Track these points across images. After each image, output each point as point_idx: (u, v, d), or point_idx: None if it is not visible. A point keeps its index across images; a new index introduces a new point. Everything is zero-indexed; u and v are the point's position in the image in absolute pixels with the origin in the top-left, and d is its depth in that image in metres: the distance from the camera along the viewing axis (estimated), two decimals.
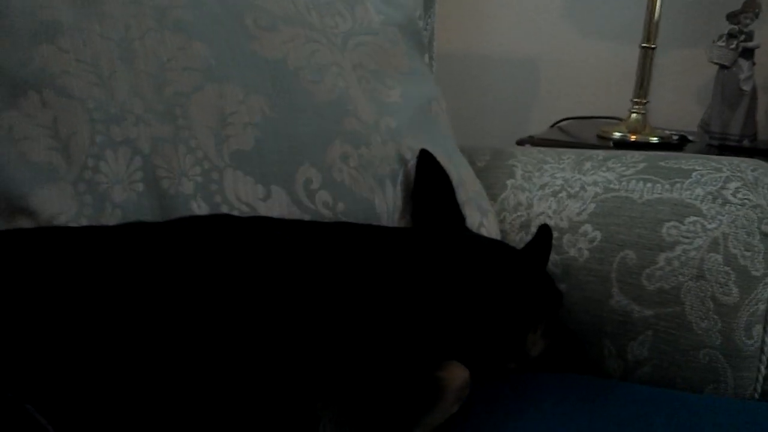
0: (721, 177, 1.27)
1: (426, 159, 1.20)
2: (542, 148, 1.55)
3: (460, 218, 1.19)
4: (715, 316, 1.21)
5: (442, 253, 1.08)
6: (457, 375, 0.98)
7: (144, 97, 1.09)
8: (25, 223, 0.99)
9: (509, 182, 1.41)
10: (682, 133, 2.16)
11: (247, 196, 1.11)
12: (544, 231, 1.09)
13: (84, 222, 1.00)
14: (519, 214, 1.38)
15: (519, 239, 1.36)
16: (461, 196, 1.26)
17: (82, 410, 0.73)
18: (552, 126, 2.33)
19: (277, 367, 0.84)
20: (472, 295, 1.06)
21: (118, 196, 1.03)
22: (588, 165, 1.38)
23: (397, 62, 1.35)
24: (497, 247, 1.18)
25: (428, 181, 1.20)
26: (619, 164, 1.36)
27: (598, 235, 1.29)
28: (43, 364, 0.74)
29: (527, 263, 1.11)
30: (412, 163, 1.24)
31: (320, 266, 0.96)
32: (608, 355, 1.29)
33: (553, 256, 1.32)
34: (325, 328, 0.88)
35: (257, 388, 0.82)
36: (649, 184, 1.30)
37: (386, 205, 1.21)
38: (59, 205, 0.99)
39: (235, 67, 1.16)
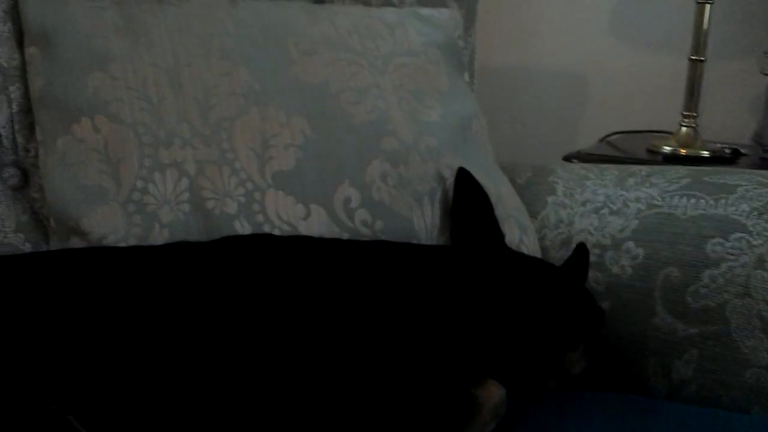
0: (767, 192, 1.24)
1: (464, 177, 1.21)
2: (585, 165, 1.54)
3: (499, 235, 1.19)
4: (762, 335, 1.18)
5: (480, 270, 1.09)
6: (493, 393, 0.98)
7: (191, 121, 1.12)
8: (78, 243, 1.03)
9: (550, 199, 1.41)
10: (735, 146, 2.11)
11: (288, 215, 1.13)
12: (581, 249, 1.09)
13: (133, 241, 1.04)
14: (560, 231, 1.37)
15: (560, 257, 1.35)
16: (500, 212, 1.26)
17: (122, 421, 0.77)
18: (600, 140, 2.30)
19: (313, 380, 0.85)
20: (510, 313, 1.06)
21: (166, 217, 1.07)
22: (631, 181, 1.36)
23: (437, 82, 1.36)
24: (536, 265, 1.17)
25: (466, 198, 1.21)
26: (663, 180, 1.34)
27: (641, 252, 1.28)
28: (87, 376, 0.78)
29: (565, 281, 1.11)
30: (450, 181, 1.24)
31: (359, 284, 0.97)
32: (653, 374, 1.27)
33: (596, 274, 1.31)
34: (361, 342, 0.90)
35: (292, 402, 0.84)
36: (692, 200, 1.28)
37: (425, 223, 1.22)
38: (109, 226, 1.04)
39: (278, 91, 1.19)
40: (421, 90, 1.33)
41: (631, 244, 1.28)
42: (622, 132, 2.27)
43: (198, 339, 0.84)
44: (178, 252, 0.95)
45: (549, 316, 1.09)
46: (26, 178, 1.13)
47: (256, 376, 0.84)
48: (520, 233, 1.31)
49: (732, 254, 1.20)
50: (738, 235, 1.21)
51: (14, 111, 1.12)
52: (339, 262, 1.00)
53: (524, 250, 1.28)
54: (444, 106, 1.34)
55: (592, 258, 1.30)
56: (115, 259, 0.92)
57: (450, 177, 1.24)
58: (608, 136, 2.26)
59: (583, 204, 1.36)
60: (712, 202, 1.26)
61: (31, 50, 1.12)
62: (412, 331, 0.95)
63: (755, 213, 1.22)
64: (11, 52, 1.14)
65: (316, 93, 1.21)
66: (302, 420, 0.84)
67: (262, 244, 0.99)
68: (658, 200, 1.30)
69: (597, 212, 1.34)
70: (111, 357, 0.79)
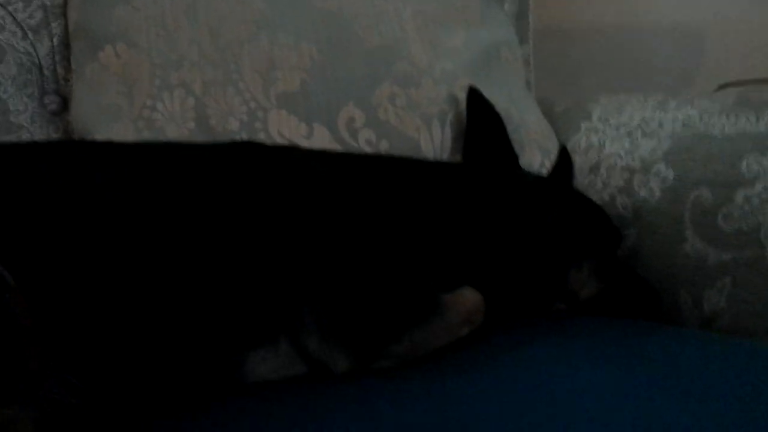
0: None
1: (475, 97, 1.16)
2: (633, 94, 1.42)
3: (509, 154, 1.14)
4: None
5: (472, 184, 1.05)
6: (466, 298, 0.94)
7: (201, 45, 1.17)
8: None
9: (584, 125, 1.32)
10: None
11: (290, 133, 1.15)
12: (563, 153, 1.02)
13: None
14: (590, 156, 1.29)
15: (588, 182, 1.26)
16: (522, 137, 1.20)
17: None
18: (716, 90, 2.09)
19: (264, 271, 0.86)
20: (497, 226, 1.01)
21: (172, 132, 1.12)
22: (673, 104, 1.25)
23: (464, 10, 1.32)
24: (532, 182, 1.11)
25: (477, 118, 1.16)
26: (708, 101, 1.22)
27: (671, 173, 1.17)
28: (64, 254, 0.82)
29: (548, 191, 1.04)
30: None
31: (338, 188, 0.97)
32: (683, 305, 1.15)
33: (623, 199, 1.21)
34: (319, 237, 0.89)
35: (243, 287, 0.85)
36: (732, 118, 1.15)
37: (432, 144, 1.19)
38: (122, 139, 1.10)
39: (290, 18, 1.21)
40: (444, 17, 1.30)
41: (661, 165, 1.18)
42: (736, 83, 2.06)
43: (176, 227, 0.87)
44: (166, 150, 0.99)
45: (541, 231, 1.03)
46: (65, 104, 1.22)
47: (207, 263, 0.86)
48: (542, 157, 1.24)
49: None
50: None
51: (55, 44, 1.22)
52: (323, 168, 1.00)
53: (546, 173, 1.21)
54: (469, 32, 1.30)
55: (620, 183, 1.21)
56: (111, 152, 0.96)
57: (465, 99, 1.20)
58: (724, 86, 2.06)
59: (617, 128, 1.27)
60: (753, 119, 1.12)
61: None
62: (384, 233, 0.93)
63: None
64: None
65: (328, 19, 1.21)
66: (250, 306, 0.85)
67: (250, 149, 1.01)
68: (695, 120, 1.18)
69: (630, 135, 1.24)
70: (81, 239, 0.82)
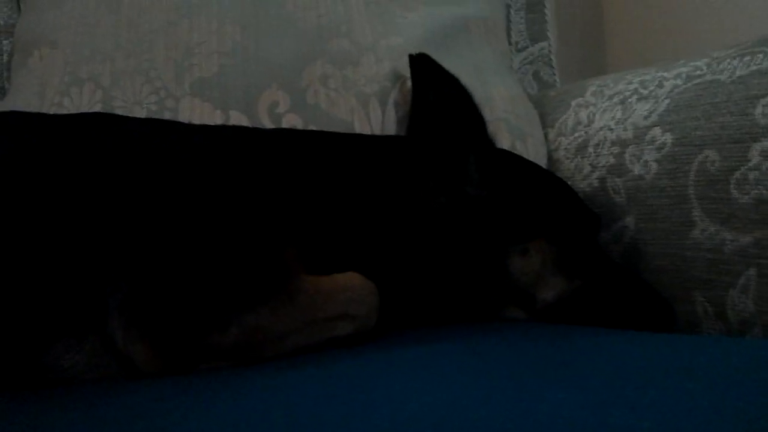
0: None
1: (423, 64, 0.91)
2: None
3: (472, 127, 0.86)
4: None
5: (355, 153, 0.80)
6: (335, 282, 0.69)
7: (118, 38, 1.04)
8: None
9: (574, 102, 1.03)
10: None
11: (202, 121, 0.97)
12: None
13: None
14: (576, 135, 0.99)
15: (574, 166, 0.97)
16: (486, 115, 0.94)
17: None
18: None
19: (67, 248, 0.67)
20: (381, 199, 0.76)
21: None
22: (683, 61, 0.94)
23: None
24: (430, 146, 0.83)
25: (426, 87, 0.91)
26: (725, 48, 0.90)
27: (668, 138, 0.85)
28: None
29: (466, 159, 0.77)
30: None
31: (176, 159, 0.77)
32: (703, 314, 0.81)
33: (614, 181, 0.90)
34: (136, 211, 0.69)
35: (42, 266, 0.66)
36: (747, 58, 0.83)
37: (370, 127, 0.96)
38: None
39: (215, 1, 1.05)
40: None
41: (656, 131, 0.87)
42: None
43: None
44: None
45: (445, 207, 0.76)
46: None
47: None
48: (511, 138, 0.97)
49: None
50: None
51: (4, 61, 1.15)
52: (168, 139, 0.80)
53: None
54: (430, 7, 1.08)
55: (610, 160, 0.91)
56: None
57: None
58: None
59: (610, 98, 0.97)
60: None
61: (22, 5, 1.15)
62: (225, 207, 0.71)
63: None
64: (11, 12, 1.18)
65: (259, 1, 1.04)
66: (46, 289, 0.65)
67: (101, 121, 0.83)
68: (701, 69, 0.87)
69: (623, 102, 0.94)
70: None
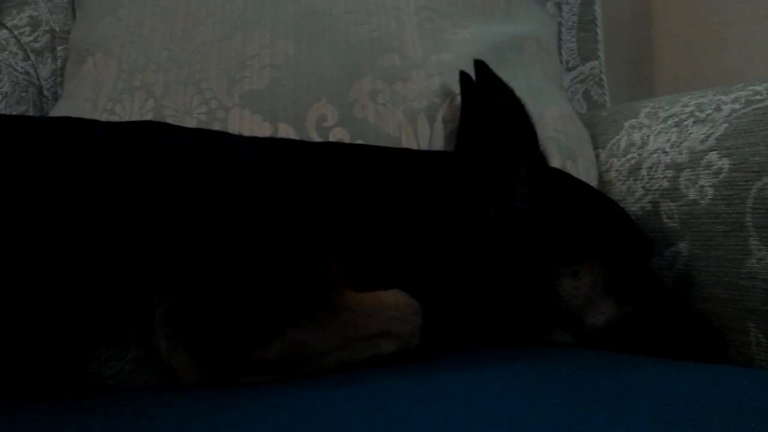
0: None
1: (477, 71, 0.89)
2: None
3: (524, 141, 0.84)
4: None
5: (403, 170, 0.79)
6: (378, 299, 0.68)
7: (171, 49, 1.05)
8: None
9: (627, 123, 1.01)
10: None
11: (251, 133, 0.98)
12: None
13: None
14: (629, 156, 0.97)
15: (626, 188, 0.94)
16: (539, 142, 0.93)
17: None
18: None
19: (115, 254, 0.67)
20: (425, 217, 0.75)
21: None
22: (741, 85, 0.91)
23: (489, 8, 1.10)
24: (476, 163, 0.81)
25: (477, 99, 0.89)
26: None
27: (725, 163, 0.83)
28: None
29: (516, 177, 0.75)
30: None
31: (231, 171, 0.77)
32: (756, 345, 0.78)
33: (668, 205, 0.88)
34: (186, 221, 0.69)
35: (86, 272, 0.66)
36: None
37: (417, 143, 0.95)
38: None
39: (270, 17, 1.06)
40: (454, 11, 1.08)
41: (713, 155, 0.84)
42: None
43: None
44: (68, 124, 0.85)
45: (491, 224, 0.74)
46: None
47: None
48: (562, 158, 0.95)
49: None
50: None
51: (58, 66, 1.17)
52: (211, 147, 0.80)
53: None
54: (486, 26, 1.07)
55: (664, 184, 0.88)
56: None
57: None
58: None
59: (665, 120, 0.95)
60: None
61: (77, 12, 1.18)
62: (277, 222, 0.71)
63: None
64: (66, 19, 1.20)
65: (312, 16, 1.05)
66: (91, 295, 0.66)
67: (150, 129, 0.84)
68: (761, 94, 0.84)
69: (679, 125, 0.92)
70: None
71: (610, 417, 0.45)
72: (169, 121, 0.99)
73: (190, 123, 0.98)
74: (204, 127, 0.97)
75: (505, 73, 0.93)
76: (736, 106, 0.85)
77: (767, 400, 0.53)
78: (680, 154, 0.87)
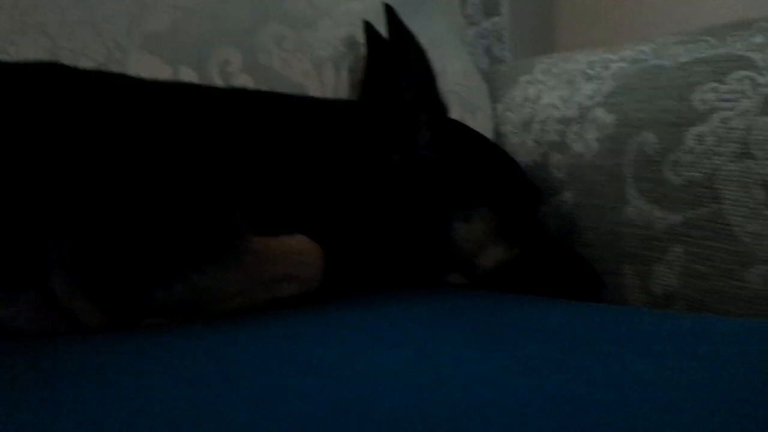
0: None
1: (372, 30, 0.91)
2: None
3: (431, 84, 0.85)
4: None
5: (302, 115, 0.80)
6: (282, 244, 0.69)
7: None
8: None
9: (523, 78, 1.05)
10: None
11: (152, 77, 0.95)
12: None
13: None
14: (523, 111, 1.01)
15: (520, 140, 0.98)
16: (439, 89, 0.95)
17: None
18: None
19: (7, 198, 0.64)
20: (324, 160, 0.76)
21: None
22: (629, 45, 0.96)
23: None
24: (373, 110, 0.83)
25: (381, 47, 0.90)
26: (671, 35, 0.93)
27: (611, 119, 0.88)
28: None
29: (409, 124, 0.77)
30: None
31: (128, 114, 0.75)
32: (631, 286, 0.84)
33: (556, 157, 0.93)
34: (78, 163, 0.67)
35: None
36: (690, 45, 0.85)
37: (323, 92, 0.95)
38: None
39: None
40: None
41: (600, 111, 0.89)
42: None
43: None
44: None
45: (389, 170, 0.76)
46: None
47: None
48: (462, 111, 0.98)
49: (727, 101, 0.77)
50: (740, 74, 0.77)
51: None
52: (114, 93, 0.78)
53: None
54: None
55: (553, 137, 0.93)
56: None
57: None
58: None
59: (558, 76, 0.99)
60: (715, 42, 0.82)
61: None
62: (173, 164, 0.70)
63: None
64: None
65: None
66: None
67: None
68: (647, 54, 0.89)
69: (570, 81, 0.96)
70: None
71: (493, 346, 0.49)
72: (65, 62, 0.95)
73: (87, 65, 0.94)
74: (102, 69, 0.94)
75: (409, 25, 0.95)
76: (623, 65, 0.91)
77: (635, 332, 0.59)
78: (569, 109, 0.93)
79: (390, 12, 0.83)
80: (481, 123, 0.98)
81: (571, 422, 0.35)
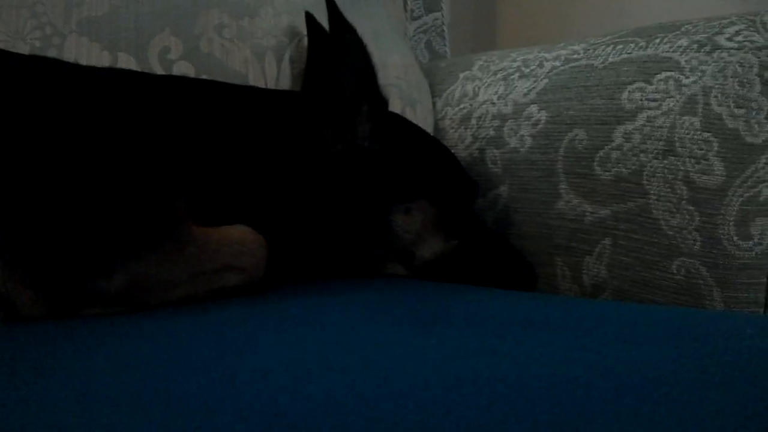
0: (719, 24, 0.82)
1: (313, 21, 0.92)
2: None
3: (371, 75, 0.86)
4: (690, 207, 0.76)
5: (243, 105, 0.80)
6: (224, 234, 0.69)
7: None
8: None
9: (462, 74, 1.07)
10: None
11: (89, 62, 0.93)
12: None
13: None
14: (462, 106, 1.03)
15: (458, 135, 1.01)
16: (379, 82, 0.96)
17: None
18: None
19: None
20: (265, 152, 0.77)
21: None
22: (563, 44, 0.99)
23: None
24: (316, 102, 0.84)
25: (321, 42, 0.91)
26: (603, 35, 0.96)
27: (543, 116, 0.91)
28: None
29: (349, 118, 0.79)
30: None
31: (67, 100, 0.73)
32: (562, 277, 0.88)
33: (493, 152, 0.95)
34: (19, 150, 0.66)
35: None
36: (620, 46, 0.89)
37: (265, 81, 0.95)
38: None
39: None
40: None
41: (533, 108, 0.92)
42: None
43: None
44: None
45: (332, 161, 0.77)
46: None
47: None
48: (402, 105, 0.99)
49: (653, 101, 0.80)
50: (665, 75, 0.81)
51: None
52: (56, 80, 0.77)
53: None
54: None
55: (490, 133, 0.95)
56: None
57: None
58: None
59: (495, 73, 1.01)
60: (643, 43, 0.86)
61: None
62: (115, 152, 0.69)
63: (695, 46, 0.81)
64: None
65: None
66: None
67: None
68: (579, 53, 0.92)
69: (506, 78, 0.99)
70: None
71: (426, 332, 0.51)
72: (0, 46, 0.94)
73: (23, 49, 0.93)
74: (38, 54, 0.93)
75: (350, 17, 0.96)
76: (557, 63, 0.94)
77: (562, 319, 0.62)
78: (506, 105, 0.96)
79: (331, 4, 0.85)
80: (421, 117, 1.00)
81: (497, 399, 0.37)
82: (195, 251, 0.65)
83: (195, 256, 0.65)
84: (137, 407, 0.38)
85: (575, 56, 0.92)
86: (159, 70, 0.94)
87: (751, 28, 0.79)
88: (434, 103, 1.06)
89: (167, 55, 0.94)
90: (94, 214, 0.63)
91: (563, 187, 0.87)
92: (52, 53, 0.93)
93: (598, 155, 0.84)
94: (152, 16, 0.96)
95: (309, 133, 0.77)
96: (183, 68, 0.94)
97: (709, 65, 0.78)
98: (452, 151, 0.95)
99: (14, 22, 0.94)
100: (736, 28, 0.80)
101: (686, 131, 0.77)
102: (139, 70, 0.94)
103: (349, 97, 0.78)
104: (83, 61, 0.93)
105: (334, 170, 0.77)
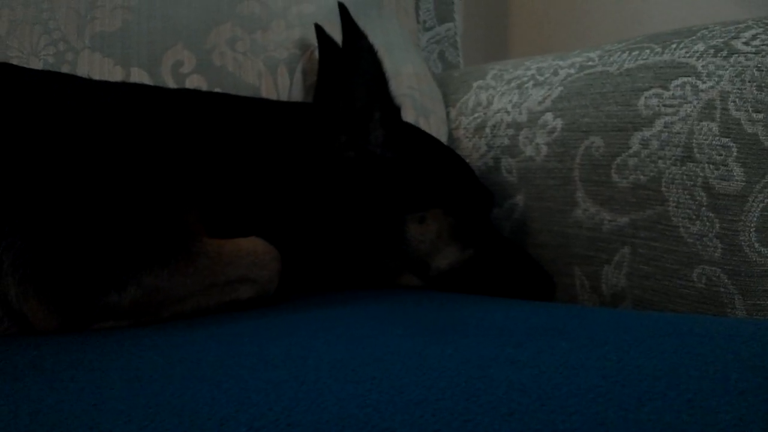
0: (735, 28, 0.82)
1: (323, 33, 0.92)
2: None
3: (383, 83, 0.86)
4: (711, 213, 0.75)
5: (256, 118, 0.81)
6: (237, 246, 0.69)
7: None
8: None
9: (475, 84, 1.07)
10: None
11: (102, 77, 0.94)
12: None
13: None
14: (476, 115, 1.03)
15: (472, 144, 1.01)
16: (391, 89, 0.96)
17: None
18: None
19: None
20: (277, 163, 0.77)
21: None
22: (577, 51, 0.99)
23: None
24: (326, 114, 0.84)
25: (332, 54, 0.92)
26: (617, 42, 0.96)
27: (559, 123, 0.90)
28: None
29: (364, 128, 0.79)
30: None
31: (79, 115, 0.74)
32: (581, 286, 0.87)
33: (508, 161, 0.95)
34: (30, 163, 0.66)
35: None
36: (635, 52, 0.89)
37: (277, 93, 0.96)
38: None
39: None
40: None
41: (548, 116, 0.91)
42: None
43: None
44: None
45: (344, 171, 0.77)
46: None
47: None
48: (416, 115, 0.99)
49: (670, 106, 0.80)
50: (682, 80, 0.80)
51: None
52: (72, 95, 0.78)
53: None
54: None
55: (505, 142, 0.95)
56: None
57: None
58: None
59: (509, 82, 1.01)
60: (659, 49, 0.86)
61: None
62: (128, 166, 0.70)
63: (711, 51, 0.80)
64: None
65: None
66: None
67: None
68: (593, 61, 0.92)
69: (520, 87, 0.98)
70: None
71: (441, 341, 0.50)
72: (14, 62, 0.95)
73: (37, 65, 0.94)
74: (52, 69, 0.94)
75: (363, 27, 0.96)
76: (571, 71, 0.94)
77: (582, 328, 0.62)
78: (520, 114, 0.95)
79: (344, 11, 0.85)
80: (435, 127, 1.00)
81: (516, 408, 0.36)
82: (207, 263, 0.65)
83: (207, 269, 0.65)
84: (149, 420, 0.38)
85: (590, 63, 0.92)
86: (172, 84, 0.95)
87: None
88: (448, 113, 1.05)
89: (180, 69, 0.95)
90: (107, 228, 0.64)
91: (580, 195, 0.86)
92: (65, 69, 0.94)
93: (615, 162, 0.83)
94: (165, 31, 0.96)
95: (321, 141, 0.77)
96: (196, 82, 0.95)
97: (727, 70, 0.78)
98: (467, 160, 0.95)
99: (28, 38, 0.95)
100: (753, 32, 0.80)
101: (704, 137, 0.76)
102: (151, 84, 0.94)
103: (361, 103, 0.78)
104: (96, 77, 0.94)
105: (346, 178, 0.77)
